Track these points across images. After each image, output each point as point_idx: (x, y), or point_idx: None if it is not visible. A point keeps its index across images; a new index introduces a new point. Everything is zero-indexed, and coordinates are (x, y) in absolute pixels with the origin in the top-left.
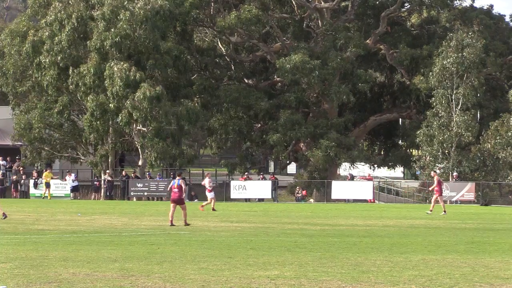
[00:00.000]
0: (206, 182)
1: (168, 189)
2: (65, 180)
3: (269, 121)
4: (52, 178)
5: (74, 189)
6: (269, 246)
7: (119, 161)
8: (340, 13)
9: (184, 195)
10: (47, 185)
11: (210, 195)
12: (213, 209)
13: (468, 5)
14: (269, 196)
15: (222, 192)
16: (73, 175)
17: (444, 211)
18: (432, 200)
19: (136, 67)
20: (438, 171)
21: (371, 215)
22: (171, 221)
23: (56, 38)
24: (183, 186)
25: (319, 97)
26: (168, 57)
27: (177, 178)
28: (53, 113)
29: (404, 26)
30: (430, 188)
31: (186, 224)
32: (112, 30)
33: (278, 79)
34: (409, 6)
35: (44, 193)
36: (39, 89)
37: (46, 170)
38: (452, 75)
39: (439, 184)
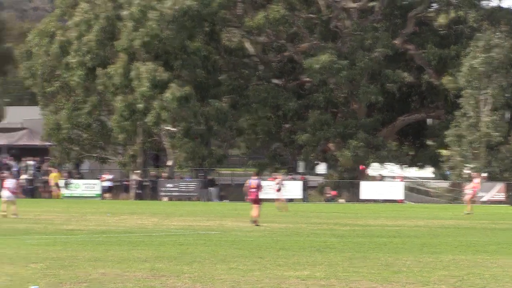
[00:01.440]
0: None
1: (244, 189)
2: (103, 179)
3: (298, 121)
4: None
5: (107, 190)
6: (299, 247)
7: (153, 161)
8: (368, 13)
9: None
10: (57, 185)
11: (279, 194)
12: (281, 208)
13: (495, 5)
14: (299, 196)
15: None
16: (110, 175)
17: (469, 212)
18: (467, 200)
19: (163, 68)
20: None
21: (400, 215)
22: (254, 218)
23: (84, 38)
24: (260, 185)
25: (347, 97)
26: (196, 57)
27: (254, 177)
28: (82, 113)
29: (432, 26)
30: (470, 190)
31: (255, 223)
32: (141, 30)
33: (306, 79)
34: (436, 6)
35: (54, 192)
36: (67, 89)
37: (54, 171)
38: (480, 75)
39: (477, 186)
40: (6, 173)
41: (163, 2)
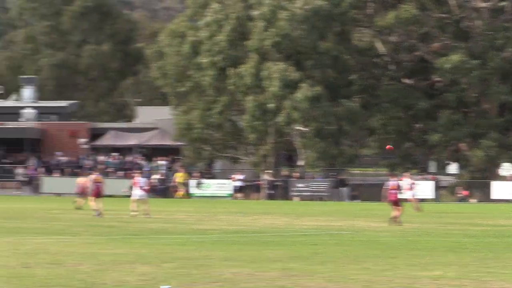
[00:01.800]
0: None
1: (384, 191)
2: (234, 178)
3: (429, 121)
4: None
5: (238, 189)
6: (431, 247)
7: (286, 161)
8: (499, 13)
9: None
10: (181, 185)
11: (411, 194)
12: (417, 209)
13: None
14: (431, 196)
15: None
16: (241, 175)
17: None
18: None
19: (294, 67)
20: None
21: None
22: (394, 219)
23: (215, 38)
24: (400, 186)
25: (478, 97)
26: (327, 57)
27: (393, 178)
28: (213, 113)
29: None
30: None
31: (396, 223)
32: (272, 30)
33: (437, 79)
34: None
35: (180, 192)
36: (199, 90)
37: (181, 171)
38: None
39: None
40: (137, 173)
41: (293, 2)
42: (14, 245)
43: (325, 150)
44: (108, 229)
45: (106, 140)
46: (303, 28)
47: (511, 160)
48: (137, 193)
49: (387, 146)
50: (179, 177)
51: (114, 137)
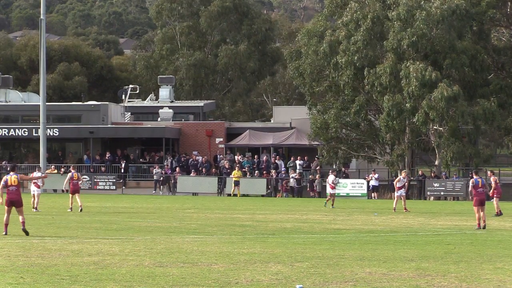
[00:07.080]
0: None
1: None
2: (369, 178)
3: None
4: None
5: (373, 189)
6: None
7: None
8: None
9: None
10: (236, 184)
11: None
12: None
13: None
14: None
15: None
16: (377, 174)
17: None
18: None
19: (432, 67)
20: None
21: None
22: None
23: (352, 38)
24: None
25: None
26: (465, 57)
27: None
28: (350, 113)
29: None
30: None
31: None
32: (408, 30)
33: None
34: None
35: (233, 191)
36: (335, 89)
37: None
38: None
39: None
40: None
41: (430, 1)
42: (148, 244)
43: (461, 149)
44: (242, 229)
45: (243, 140)
46: (440, 28)
47: None
48: None
49: None
50: (234, 175)
51: (250, 137)
